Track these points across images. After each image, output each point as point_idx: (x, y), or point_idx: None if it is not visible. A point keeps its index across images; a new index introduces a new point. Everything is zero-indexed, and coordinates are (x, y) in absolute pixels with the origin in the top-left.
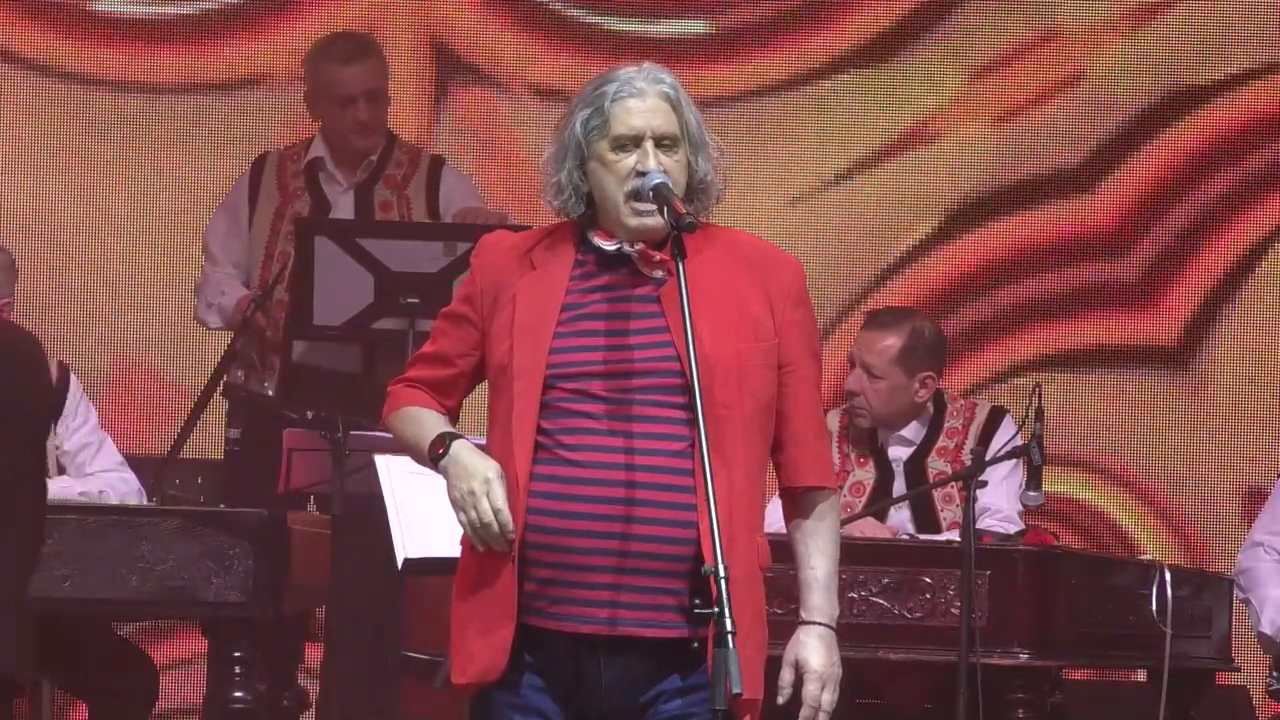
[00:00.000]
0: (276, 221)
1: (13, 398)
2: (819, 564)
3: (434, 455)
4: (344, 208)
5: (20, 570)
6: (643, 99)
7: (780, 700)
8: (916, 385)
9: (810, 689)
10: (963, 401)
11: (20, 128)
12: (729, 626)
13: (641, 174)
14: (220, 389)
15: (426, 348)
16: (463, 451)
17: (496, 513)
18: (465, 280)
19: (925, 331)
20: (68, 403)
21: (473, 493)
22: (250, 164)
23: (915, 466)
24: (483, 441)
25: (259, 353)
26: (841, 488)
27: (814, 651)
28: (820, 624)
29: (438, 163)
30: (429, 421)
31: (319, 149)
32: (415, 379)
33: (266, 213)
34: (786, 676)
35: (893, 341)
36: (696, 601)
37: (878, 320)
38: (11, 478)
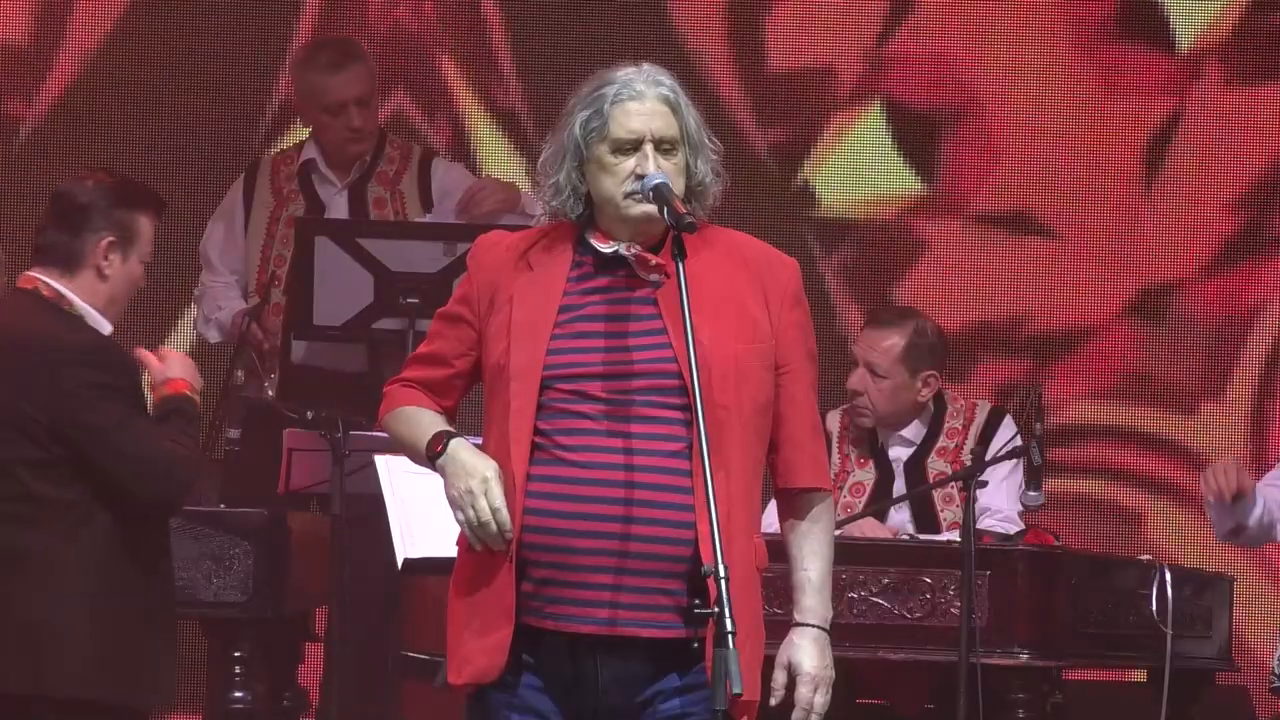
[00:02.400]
0: (271, 226)
1: None
2: (812, 566)
3: (431, 454)
4: (338, 208)
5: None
6: (642, 101)
7: (773, 702)
8: (919, 384)
9: (803, 691)
10: (963, 402)
11: (22, 124)
12: (729, 626)
13: (640, 177)
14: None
15: (422, 348)
16: (461, 450)
17: (494, 512)
18: (462, 280)
19: (928, 330)
20: None
21: (470, 491)
22: (244, 170)
23: (915, 466)
24: (480, 441)
25: (259, 359)
26: (841, 488)
27: (807, 654)
28: (813, 626)
29: (428, 155)
30: (426, 420)
31: (311, 151)
32: (412, 379)
33: (261, 218)
34: (779, 678)
35: (896, 340)
36: (696, 602)
37: (880, 319)
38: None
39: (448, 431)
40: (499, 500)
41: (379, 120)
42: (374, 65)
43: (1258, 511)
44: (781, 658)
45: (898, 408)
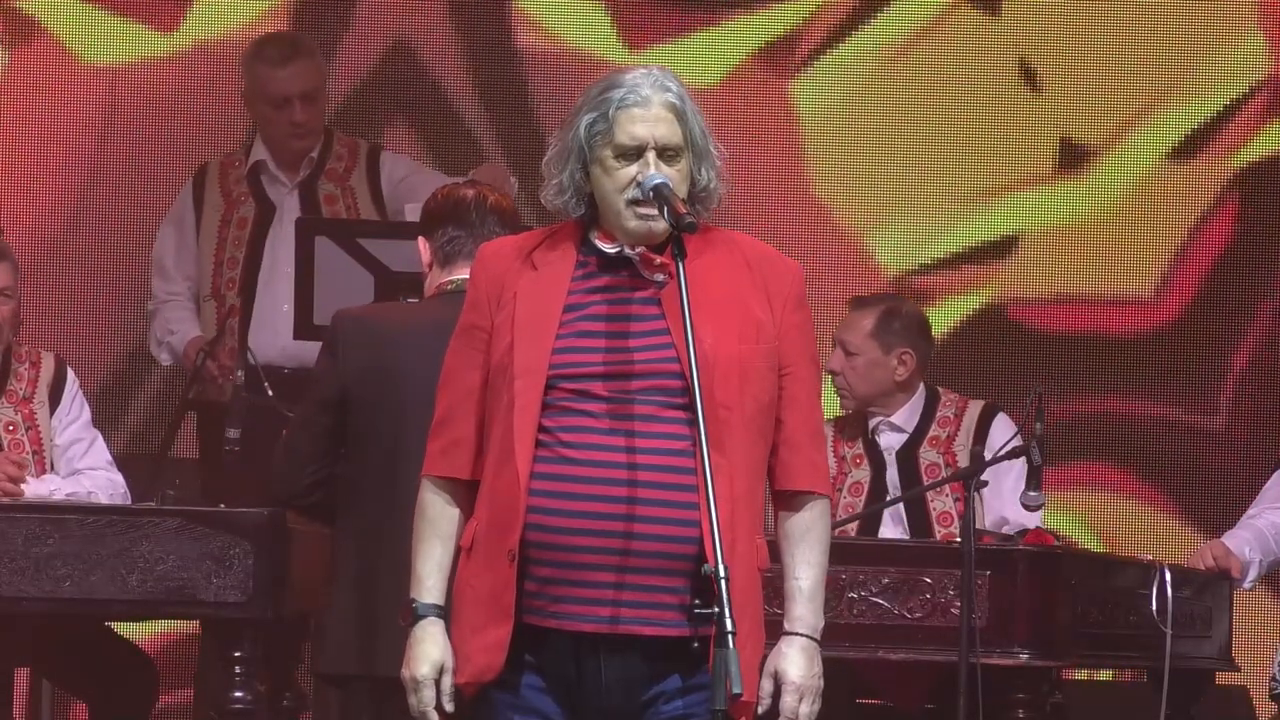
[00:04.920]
0: (223, 229)
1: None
2: (804, 574)
3: (402, 620)
4: (290, 207)
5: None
6: (647, 108)
7: (760, 710)
8: (894, 362)
9: (788, 700)
10: (955, 394)
11: (21, 125)
12: (729, 626)
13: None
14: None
15: (439, 407)
16: (419, 634)
17: (422, 715)
18: (469, 290)
19: (902, 309)
20: (64, 396)
21: (406, 683)
22: (192, 175)
23: (907, 456)
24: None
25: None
26: (840, 489)
27: (793, 663)
28: (802, 635)
29: (375, 150)
30: (422, 563)
31: (260, 152)
32: (434, 461)
33: (213, 221)
34: (766, 687)
35: (868, 319)
36: (697, 601)
37: (857, 302)
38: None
39: (418, 606)
40: (427, 705)
41: (325, 117)
42: (323, 61)
43: (1256, 573)
44: (768, 666)
45: (872, 387)
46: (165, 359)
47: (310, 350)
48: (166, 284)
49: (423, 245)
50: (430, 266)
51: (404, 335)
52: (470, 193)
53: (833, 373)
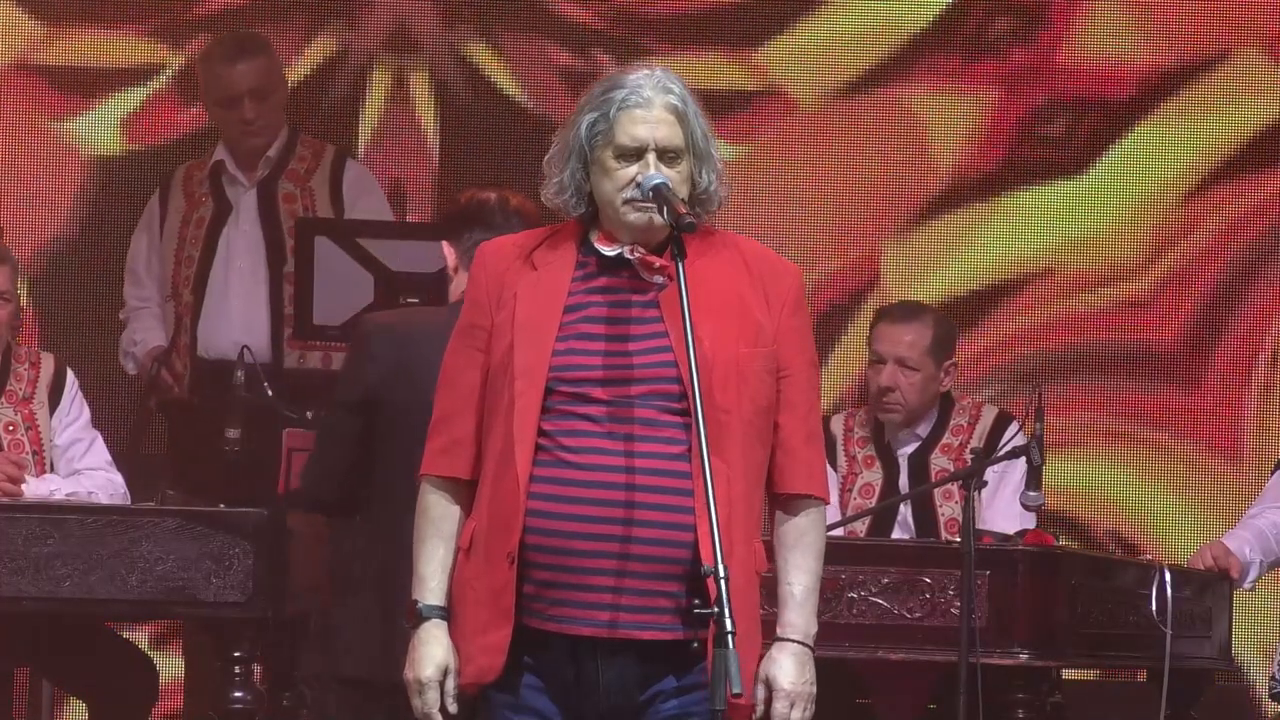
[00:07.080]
0: (183, 229)
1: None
2: (797, 580)
3: (407, 621)
4: (247, 206)
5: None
6: (649, 109)
7: (754, 717)
8: (943, 375)
9: (778, 707)
10: (969, 400)
11: (20, 126)
12: (729, 626)
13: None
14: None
15: (439, 406)
16: (423, 635)
17: (427, 717)
18: (469, 290)
19: (944, 320)
20: (64, 397)
21: (409, 684)
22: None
23: (919, 461)
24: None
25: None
26: (851, 490)
27: (783, 669)
28: (793, 641)
29: (341, 155)
30: (423, 564)
31: (220, 152)
32: (434, 459)
33: (174, 222)
34: (759, 693)
35: (923, 332)
36: (696, 602)
37: (899, 313)
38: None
39: (421, 607)
40: (431, 707)
41: (284, 116)
42: (277, 60)
43: (1256, 574)
44: (761, 673)
45: (924, 400)
46: (130, 367)
47: (263, 343)
48: (137, 289)
49: (447, 250)
50: (455, 270)
51: (428, 340)
52: (493, 196)
53: (886, 389)
